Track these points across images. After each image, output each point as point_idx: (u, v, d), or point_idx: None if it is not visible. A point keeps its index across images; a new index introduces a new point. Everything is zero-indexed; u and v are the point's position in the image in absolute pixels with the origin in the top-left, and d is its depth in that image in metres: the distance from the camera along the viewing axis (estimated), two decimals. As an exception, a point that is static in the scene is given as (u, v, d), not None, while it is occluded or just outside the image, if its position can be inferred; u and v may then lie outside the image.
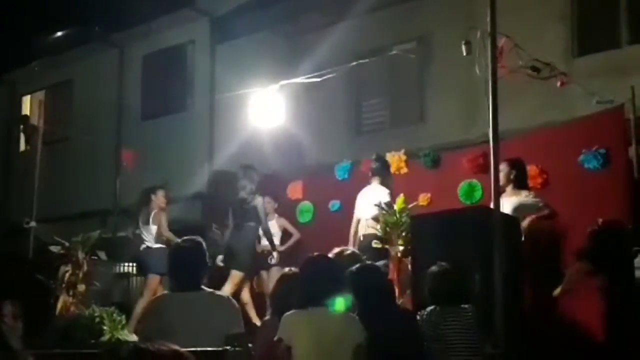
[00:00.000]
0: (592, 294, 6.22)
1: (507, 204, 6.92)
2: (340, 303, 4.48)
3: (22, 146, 16.07)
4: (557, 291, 6.46)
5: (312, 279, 4.57)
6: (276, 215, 9.53)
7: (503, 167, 6.95)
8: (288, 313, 4.53)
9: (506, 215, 6.02)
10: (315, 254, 4.95)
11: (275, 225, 9.41)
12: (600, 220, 6.76)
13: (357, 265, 5.22)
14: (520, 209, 7.03)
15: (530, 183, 7.96)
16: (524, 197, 7.19)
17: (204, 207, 11.70)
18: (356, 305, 4.81)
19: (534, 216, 7.08)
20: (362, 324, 4.47)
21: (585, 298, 6.40)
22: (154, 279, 8.83)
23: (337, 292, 4.58)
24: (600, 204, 7.13)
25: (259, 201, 8.75)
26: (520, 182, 7.27)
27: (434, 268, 5.21)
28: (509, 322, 5.05)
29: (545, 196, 7.77)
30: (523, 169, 7.39)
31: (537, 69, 6.37)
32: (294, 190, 10.15)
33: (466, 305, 5.03)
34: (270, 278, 8.88)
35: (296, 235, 9.51)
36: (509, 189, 7.17)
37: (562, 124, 8.45)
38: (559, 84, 7.27)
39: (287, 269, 5.61)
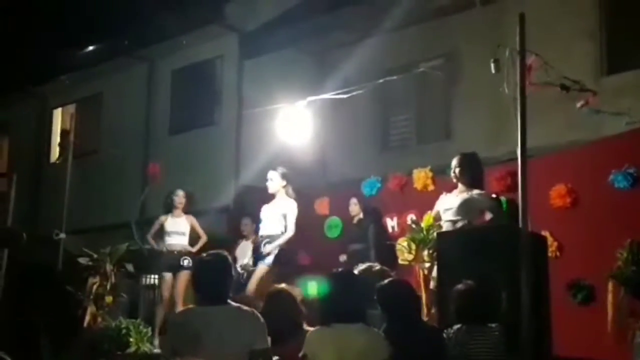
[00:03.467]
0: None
1: (458, 198, 6.69)
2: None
3: (52, 158, 16.28)
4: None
5: (336, 295, 4.57)
6: (185, 213, 9.21)
7: (456, 162, 6.77)
8: (313, 329, 4.54)
9: (533, 233, 5.97)
10: (340, 269, 4.95)
11: (182, 223, 9.11)
12: (628, 240, 6.72)
13: (387, 280, 5.23)
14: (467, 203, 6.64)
15: (559, 202, 7.92)
16: (475, 193, 6.73)
17: (229, 221, 11.74)
18: (384, 319, 4.82)
19: None
20: (388, 339, 4.46)
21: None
22: None
23: (362, 308, 4.59)
24: (630, 224, 7.07)
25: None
26: (476, 179, 6.83)
27: (459, 286, 5.19)
28: (536, 341, 5.02)
29: (575, 215, 7.74)
30: (479, 166, 6.95)
31: (566, 87, 6.32)
32: (321, 206, 10.20)
33: (493, 324, 4.99)
34: (182, 281, 8.74)
35: (204, 238, 9.15)
36: (463, 187, 6.79)
37: (591, 143, 8.40)
38: (579, 104, 7.14)
39: (274, 286, 5.61)
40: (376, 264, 6.72)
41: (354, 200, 9.25)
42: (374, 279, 5.35)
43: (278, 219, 7.90)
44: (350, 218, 9.59)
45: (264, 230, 7.96)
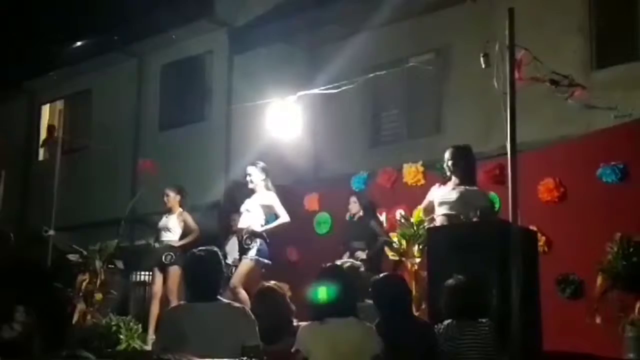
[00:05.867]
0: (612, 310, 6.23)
1: (454, 192, 6.65)
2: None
3: (41, 155, 16.22)
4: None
5: (328, 290, 4.56)
6: (179, 209, 9.08)
7: (449, 155, 6.73)
8: (305, 324, 4.54)
9: (523, 228, 5.99)
10: (329, 264, 4.95)
11: (172, 220, 9.02)
12: (618, 234, 6.73)
13: (381, 275, 5.26)
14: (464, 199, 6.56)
15: (548, 196, 7.94)
16: (471, 189, 6.68)
17: (220, 216, 11.72)
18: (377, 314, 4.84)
19: None
20: (380, 333, 4.46)
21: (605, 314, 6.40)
22: None
23: (353, 301, 4.60)
24: (619, 218, 7.09)
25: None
26: (469, 173, 6.82)
27: (450, 281, 5.20)
28: (526, 336, 5.03)
29: (564, 209, 7.75)
30: (472, 159, 6.92)
31: (555, 82, 6.32)
32: (311, 202, 10.19)
33: (483, 320, 5.01)
34: (171, 277, 8.66)
35: (194, 232, 9.00)
36: (458, 180, 6.74)
37: (580, 137, 8.42)
38: (569, 95, 7.07)
39: (263, 283, 5.59)
40: (348, 260, 6.74)
41: (353, 199, 9.22)
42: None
43: (258, 211, 7.89)
44: (341, 214, 9.57)
45: (243, 223, 7.93)
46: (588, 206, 7.55)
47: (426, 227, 6.98)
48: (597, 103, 7.93)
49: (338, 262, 6.33)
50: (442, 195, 6.72)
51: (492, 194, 8.05)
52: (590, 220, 7.40)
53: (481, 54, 6.09)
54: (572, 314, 7.15)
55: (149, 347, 7.86)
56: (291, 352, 4.44)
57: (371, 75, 8.96)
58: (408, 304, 5.22)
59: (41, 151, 16.28)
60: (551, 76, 6.25)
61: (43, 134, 16.40)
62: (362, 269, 7.66)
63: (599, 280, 6.72)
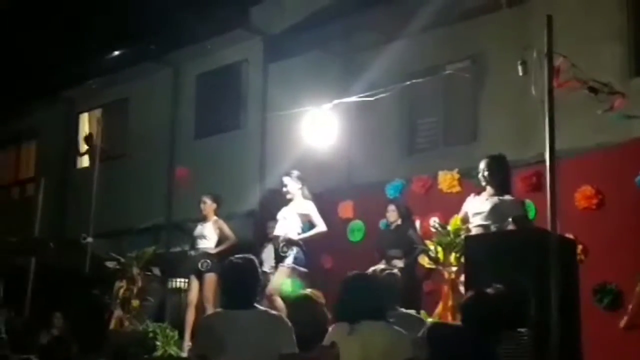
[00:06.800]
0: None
1: (488, 203, 6.65)
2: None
3: (79, 163, 16.43)
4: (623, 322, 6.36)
5: (360, 294, 4.54)
6: (214, 217, 9.16)
7: (485, 165, 6.72)
8: (334, 325, 4.54)
9: (562, 237, 5.92)
10: (356, 272, 4.92)
11: (208, 228, 9.06)
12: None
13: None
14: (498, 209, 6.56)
15: (585, 204, 7.85)
16: (505, 199, 6.66)
17: (256, 224, 11.76)
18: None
19: None
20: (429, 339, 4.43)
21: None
22: None
23: (382, 307, 4.60)
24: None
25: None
26: (504, 183, 6.82)
27: (489, 291, 5.15)
28: (565, 346, 4.97)
29: (602, 217, 7.66)
30: (507, 169, 6.90)
31: (594, 89, 6.25)
32: (345, 210, 10.17)
33: (522, 329, 4.95)
34: (207, 284, 8.70)
35: (230, 240, 9.07)
36: (492, 190, 6.74)
37: (618, 145, 8.32)
38: (600, 111, 6.89)
39: (299, 292, 5.60)
40: (380, 265, 6.73)
41: (391, 207, 9.07)
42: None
43: (295, 219, 7.93)
44: (375, 221, 9.54)
45: (280, 230, 7.96)
46: (626, 214, 7.45)
47: (463, 236, 6.93)
48: (635, 111, 7.82)
49: (373, 268, 6.32)
50: (476, 207, 6.71)
51: (528, 201, 7.98)
52: (629, 228, 7.30)
53: (519, 62, 6.05)
54: (610, 324, 7.06)
55: (184, 354, 7.92)
56: (325, 346, 4.41)
57: (407, 82, 8.94)
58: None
59: (79, 159, 16.47)
60: (591, 83, 6.18)
61: (81, 143, 16.61)
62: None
63: (638, 288, 6.64)
